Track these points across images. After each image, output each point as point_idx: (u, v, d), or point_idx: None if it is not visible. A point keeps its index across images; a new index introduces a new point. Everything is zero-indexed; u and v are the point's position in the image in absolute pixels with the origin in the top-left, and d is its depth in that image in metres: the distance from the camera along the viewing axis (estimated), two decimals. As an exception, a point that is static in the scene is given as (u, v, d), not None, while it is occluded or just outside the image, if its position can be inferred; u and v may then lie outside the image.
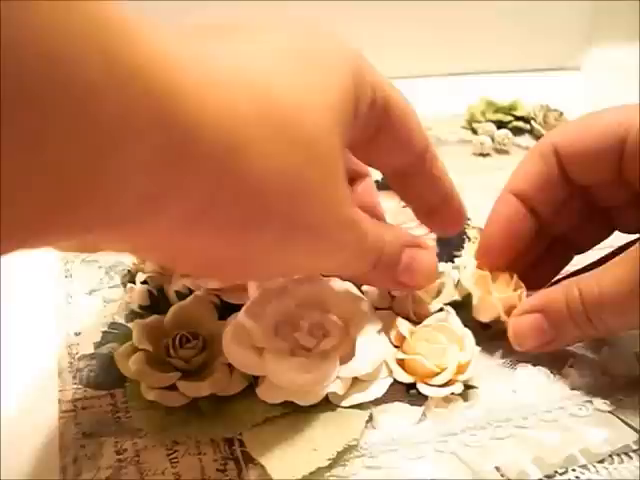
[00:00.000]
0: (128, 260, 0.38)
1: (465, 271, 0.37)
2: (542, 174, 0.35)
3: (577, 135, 0.35)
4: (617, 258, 0.32)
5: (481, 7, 0.70)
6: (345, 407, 0.31)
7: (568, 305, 0.32)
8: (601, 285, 0.31)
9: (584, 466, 0.31)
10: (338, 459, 0.29)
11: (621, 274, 0.31)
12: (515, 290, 0.36)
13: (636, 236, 0.34)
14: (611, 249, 0.37)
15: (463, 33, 0.71)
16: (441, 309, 0.35)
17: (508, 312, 0.35)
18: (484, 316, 0.35)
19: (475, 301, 0.35)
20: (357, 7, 0.66)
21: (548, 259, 0.38)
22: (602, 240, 0.38)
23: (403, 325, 0.34)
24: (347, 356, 0.32)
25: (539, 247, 0.38)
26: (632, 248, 0.31)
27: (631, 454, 0.31)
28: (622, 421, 0.32)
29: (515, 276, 0.36)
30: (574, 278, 0.33)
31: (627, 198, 0.35)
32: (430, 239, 0.45)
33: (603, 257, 0.36)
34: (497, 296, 0.35)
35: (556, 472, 0.30)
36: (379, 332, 0.34)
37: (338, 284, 0.35)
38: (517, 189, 0.36)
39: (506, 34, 0.72)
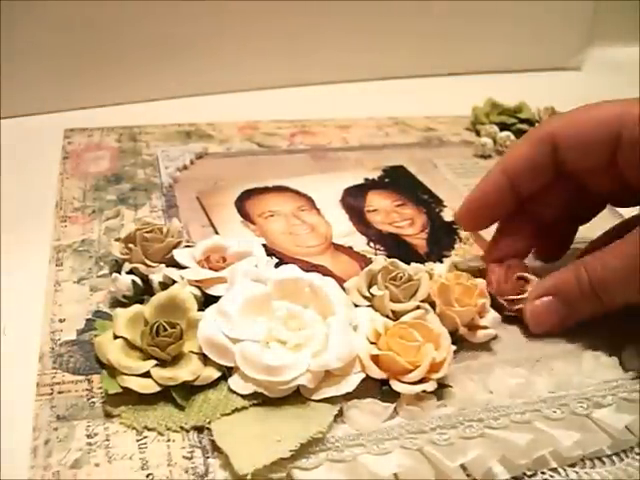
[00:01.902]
0: (117, 251, 0.39)
1: (433, 278, 0.37)
2: (532, 158, 0.38)
3: (575, 123, 0.37)
4: (616, 242, 0.35)
5: (481, 7, 0.70)
6: (315, 400, 0.31)
7: (579, 285, 0.36)
8: (604, 264, 0.35)
9: (554, 469, 0.30)
10: (302, 451, 0.29)
11: (623, 251, 0.35)
12: (477, 301, 0.36)
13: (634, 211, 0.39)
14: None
15: (463, 33, 0.71)
16: (418, 307, 0.35)
17: (467, 324, 0.36)
18: (444, 326, 0.35)
19: (437, 310, 0.36)
20: (358, 7, 0.66)
21: (555, 231, 0.42)
22: (599, 212, 0.42)
23: (378, 321, 0.34)
24: (320, 350, 0.32)
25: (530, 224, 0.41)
26: (633, 232, 0.34)
27: (604, 459, 0.31)
28: (598, 426, 0.32)
29: (480, 285, 0.37)
30: (580, 260, 0.37)
31: (617, 186, 0.38)
32: (421, 239, 0.45)
33: (603, 235, 0.41)
34: (456, 309, 0.35)
35: (524, 474, 0.30)
36: (355, 328, 0.34)
37: (317, 279, 0.35)
38: (505, 167, 0.39)
39: (506, 34, 0.72)
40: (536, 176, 0.38)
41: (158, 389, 0.31)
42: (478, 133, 0.60)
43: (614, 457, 0.31)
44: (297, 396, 0.31)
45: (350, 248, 0.44)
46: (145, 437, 0.30)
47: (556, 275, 0.37)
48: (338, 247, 0.44)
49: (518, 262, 0.40)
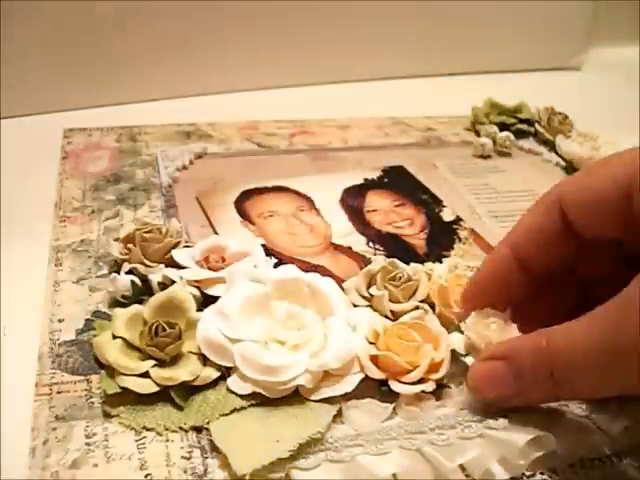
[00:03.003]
0: (116, 251, 0.39)
1: (432, 279, 0.37)
2: (541, 229, 0.33)
3: (582, 184, 0.32)
4: (593, 311, 0.28)
5: (481, 7, 0.70)
6: (314, 401, 0.31)
7: (533, 358, 0.29)
8: (570, 339, 0.28)
9: (553, 470, 0.30)
10: (301, 451, 0.29)
11: (592, 328, 0.27)
12: None
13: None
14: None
15: (463, 33, 0.71)
16: (417, 307, 0.35)
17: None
18: (443, 327, 0.35)
19: (436, 311, 0.36)
20: (358, 7, 0.66)
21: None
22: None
23: (377, 322, 0.34)
24: (319, 350, 0.32)
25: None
26: (609, 302, 0.27)
27: (603, 459, 0.31)
28: (597, 427, 0.32)
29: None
30: (547, 329, 0.30)
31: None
32: (420, 239, 0.45)
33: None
34: (454, 311, 0.35)
35: (523, 474, 0.30)
36: (354, 328, 0.34)
37: (316, 279, 0.35)
38: (512, 243, 0.34)
39: (506, 34, 0.72)
40: (546, 246, 0.32)
41: (157, 389, 0.31)
42: (478, 133, 0.60)
43: (613, 458, 0.31)
44: (296, 396, 0.31)
45: (349, 248, 0.44)
46: (144, 437, 0.30)
47: (514, 340, 0.32)
48: (337, 247, 0.44)
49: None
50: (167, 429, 0.30)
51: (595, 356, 0.27)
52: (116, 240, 0.40)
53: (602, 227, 0.31)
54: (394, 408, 0.32)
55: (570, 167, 0.56)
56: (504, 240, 0.34)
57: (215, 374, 0.32)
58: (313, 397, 0.31)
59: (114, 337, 0.33)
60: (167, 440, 0.30)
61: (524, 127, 0.60)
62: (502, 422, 0.31)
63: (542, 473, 0.30)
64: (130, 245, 0.38)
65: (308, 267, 0.40)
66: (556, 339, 0.28)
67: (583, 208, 0.31)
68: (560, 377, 0.28)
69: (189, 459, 0.29)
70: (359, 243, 0.44)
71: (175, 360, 0.32)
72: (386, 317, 0.35)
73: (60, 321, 0.36)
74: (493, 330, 0.33)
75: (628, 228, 0.30)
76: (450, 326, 0.35)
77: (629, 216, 0.29)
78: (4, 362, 0.34)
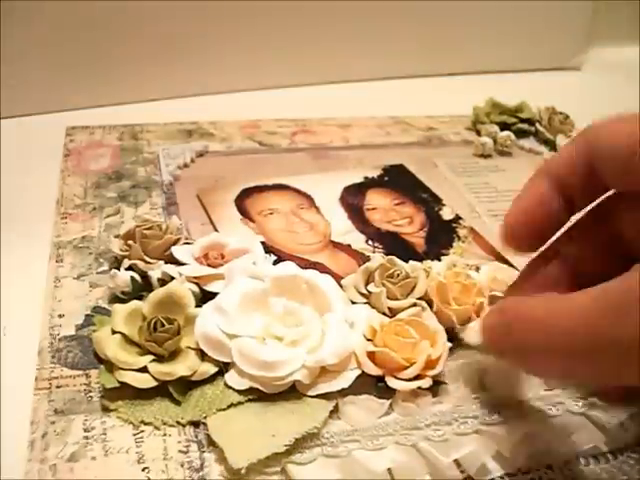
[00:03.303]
0: (116, 247, 0.39)
1: (430, 276, 0.38)
2: (575, 155, 0.30)
3: (614, 129, 0.29)
4: (590, 289, 0.25)
5: (482, 7, 0.70)
6: (311, 396, 0.31)
7: (516, 319, 0.27)
8: (558, 312, 0.25)
9: (549, 466, 0.31)
10: (297, 446, 0.29)
11: (584, 308, 0.25)
12: (475, 300, 0.36)
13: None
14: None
15: (464, 33, 0.71)
16: (415, 304, 0.35)
17: (464, 323, 0.36)
18: (441, 324, 0.35)
19: (434, 308, 0.36)
20: (359, 7, 0.67)
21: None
22: None
23: (375, 318, 0.34)
24: (316, 346, 0.32)
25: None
26: (609, 283, 0.25)
27: (599, 456, 0.31)
28: (593, 423, 0.32)
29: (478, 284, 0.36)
30: (548, 297, 0.27)
31: None
32: (419, 237, 0.45)
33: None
34: (453, 307, 0.35)
35: (519, 470, 0.30)
36: (352, 325, 0.34)
37: (314, 275, 0.35)
38: (551, 171, 0.31)
39: (506, 34, 0.72)
40: (586, 177, 0.30)
41: (155, 384, 0.31)
42: (479, 133, 0.60)
43: (609, 455, 0.31)
44: (293, 392, 0.32)
45: (349, 246, 0.44)
46: (142, 431, 0.30)
47: (518, 301, 0.28)
48: (337, 245, 0.44)
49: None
50: (165, 423, 0.30)
51: (583, 340, 0.24)
52: (116, 237, 0.40)
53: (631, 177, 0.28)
54: (390, 404, 0.32)
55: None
56: (539, 170, 0.31)
57: (213, 369, 0.32)
58: (310, 393, 0.31)
59: (113, 332, 0.33)
60: (165, 434, 0.30)
61: (525, 127, 0.60)
62: (498, 418, 0.32)
63: (537, 469, 0.30)
64: (130, 242, 0.39)
65: (307, 264, 0.40)
66: (555, 314, 0.25)
67: (614, 154, 0.28)
68: (531, 353, 0.26)
69: (186, 453, 0.29)
70: (358, 241, 0.44)
71: (173, 355, 0.32)
72: (384, 314, 0.36)
73: (60, 316, 0.36)
74: None
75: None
76: (448, 323, 0.35)
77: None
78: (4, 357, 0.34)
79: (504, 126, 0.60)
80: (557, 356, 0.25)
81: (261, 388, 0.31)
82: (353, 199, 0.49)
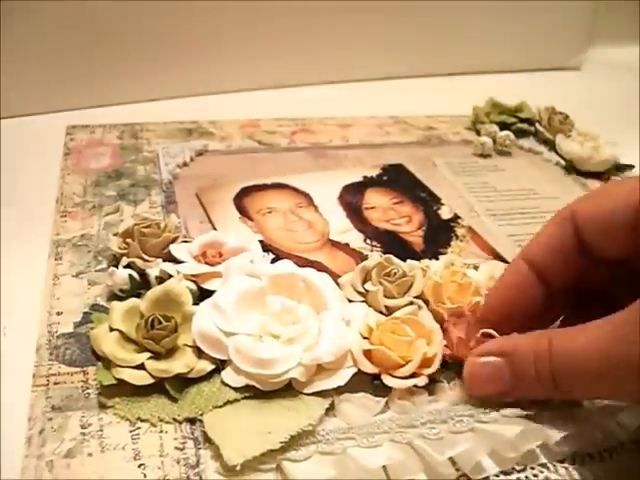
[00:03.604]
0: (115, 245, 0.40)
1: (427, 275, 0.38)
2: (557, 242, 0.33)
3: (595, 203, 0.32)
4: (599, 320, 0.29)
5: (482, 7, 0.70)
6: (307, 394, 0.32)
7: (535, 359, 0.30)
8: (573, 343, 0.29)
9: (544, 464, 0.31)
10: (292, 443, 0.29)
11: (597, 337, 0.28)
12: (470, 299, 0.36)
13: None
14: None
15: (464, 33, 0.71)
16: (411, 303, 0.35)
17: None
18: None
19: (429, 307, 0.36)
20: (359, 7, 0.67)
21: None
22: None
23: (371, 317, 0.34)
24: (312, 344, 0.32)
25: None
26: (616, 314, 0.28)
27: (594, 455, 0.31)
28: (590, 421, 0.32)
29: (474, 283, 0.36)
30: (548, 330, 0.31)
31: None
32: (418, 236, 0.46)
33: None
34: (446, 306, 0.35)
35: (514, 468, 0.30)
36: (348, 323, 0.35)
37: (311, 274, 0.35)
38: (529, 256, 0.34)
39: (506, 34, 0.72)
40: (563, 260, 0.33)
41: (152, 381, 0.31)
42: (478, 132, 0.60)
43: (604, 453, 0.31)
44: (289, 389, 0.32)
45: (347, 245, 0.44)
46: (138, 428, 0.30)
47: (514, 338, 0.31)
48: (335, 244, 0.44)
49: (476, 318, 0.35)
50: (161, 420, 0.30)
51: (598, 364, 0.28)
52: (115, 235, 0.40)
53: (613, 245, 0.31)
54: (386, 402, 0.32)
55: (570, 167, 0.56)
56: (518, 256, 0.34)
57: (209, 367, 0.32)
58: (306, 390, 0.32)
59: (111, 330, 0.33)
60: (161, 431, 0.30)
61: (524, 126, 0.60)
62: (493, 416, 0.32)
63: (532, 467, 0.30)
64: (129, 240, 0.39)
65: (305, 263, 0.40)
66: (558, 342, 0.29)
67: (596, 225, 0.32)
68: (560, 380, 0.29)
69: (182, 450, 0.29)
70: (357, 240, 0.45)
71: (170, 353, 0.33)
72: (380, 312, 0.36)
73: (59, 314, 0.36)
74: None
75: (637, 247, 0.30)
76: (442, 321, 0.35)
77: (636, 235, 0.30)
78: (4, 354, 0.34)
79: (504, 126, 0.60)
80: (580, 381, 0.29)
81: (257, 385, 0.31)
82: (352, 198, 0.49)
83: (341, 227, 0.46)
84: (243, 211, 0.46)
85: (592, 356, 0.28)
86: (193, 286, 0.36)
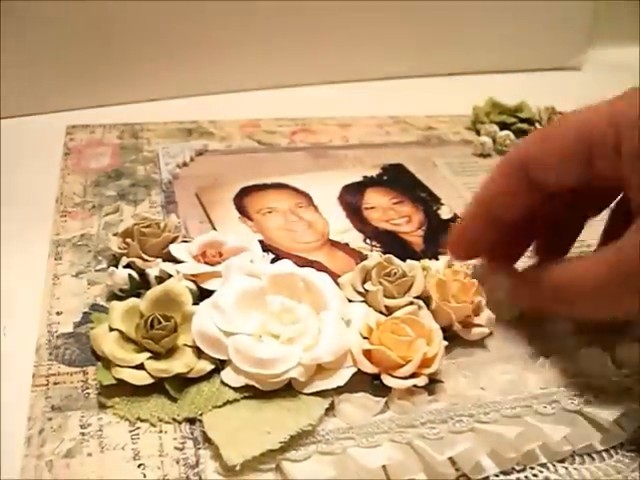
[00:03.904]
0: (115, 245, 0.39)
1: (429, 273, 0.38)
2: (505, 186, 0.35)
3: (545, 148, 0.34)
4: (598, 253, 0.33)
5: (482, 7, 0.70)
6: (306, 394, 0.32)
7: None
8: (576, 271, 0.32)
9: (543, 464, 0.31)
10: (292, 443, 0.29)
11: (602, 262, 0.31)
12: (473, 299, 0.36)
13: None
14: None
15: (464, 33, 0.71)
16: (411, 303, 0.35)
17: (462, 321, 0.36)
18: (439, 322, 0.35)
19: (433, 305, 0.36)
20: (359, 7, 0.67)
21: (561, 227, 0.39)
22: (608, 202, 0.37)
23: (371, 316, 0.34)
24: (312, 344, 0.32)
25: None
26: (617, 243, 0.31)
27: (594, 455, 0.31)
28: (588, 421, 0.32)
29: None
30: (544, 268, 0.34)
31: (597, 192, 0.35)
32: (417, 236, 0.45)
33: None
34: (452, 305, 0.35)
35: (514, 469, 0.30)
36: (348, 323, 0.35)
37: (311, 273, 0.35)
38: (479, 202, 0.36)
39: (506, 34, 0.72)
40: (515, 203, 0.35)
41: (151, 381, 0.31)
42: (478, 132, 0.60)
43: (604, 453, 0.31)
44: (289, 389, 0.32)
45: (347, 245, 0.44)
46: (138, 428, 0.30)
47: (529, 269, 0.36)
48: (335, 244, 0.44)
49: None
50: (161, 420, 0.30)
51: (606, 280, 0.30)
52: (115, 235, 0.40)
53: (567, 180, 0.33)
54: (386, 402, 0.32)
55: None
56: (473, 203, 0.37)
57: (209, 367, 0.32)
58: (306, 390, 0.32)
59: (111, 329, 0.33)
60: (160, 431, 0.30)
61: (524, 126, 0.60)
62: (493, 416, 0.32)
63: (532, 467, 0.30)
64: (128, 239, 0.39)
65: (304, 263, 0.40)
66: (559, 274, 0.33)
67: (548, 169, 0.33)
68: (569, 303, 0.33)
69: (182, 450, 0.29)
70: (357, 240, 0.44)
71: (170, 353, 0.33)
72: (380, 312, 0.36)
73: (58, 314, 0.36)
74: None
75: (587, 178, 0.33)
76: (446, 320, 0.35)
77: (588, 166, 0.32)
78: (4, 354, 0.34)
79: (504, 126, 0.60)
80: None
81: (257, 385, 0.31)
82: (352, 198, 0.49)
83: (341, 227, 0.46)
84: (243, 211, 0.46)
85: (602, 275, 0.30)
86: (193, 286, 0.36)
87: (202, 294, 0.36)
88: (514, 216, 0.35)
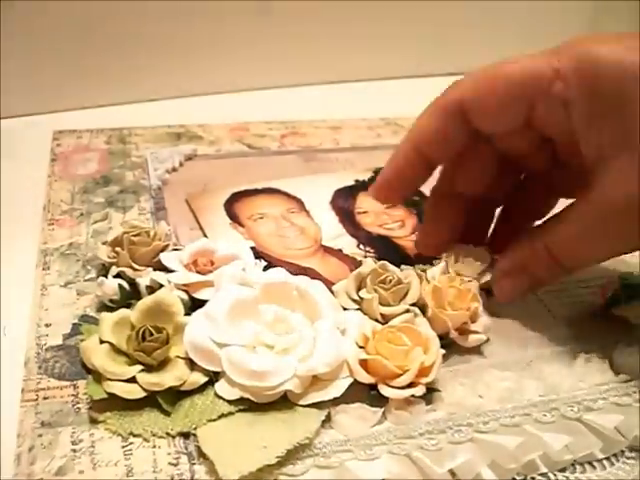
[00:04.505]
0: (104, 254, 0.39)
1: (425, 280, 0.37)
2: (441, 130, 0.36)
3: (484, 86, 0.35)
4: (566, 207, 0.35)
5: (481, 7, 0.70)
6: (302, 406, 0.31)
7: (539, 258, 0.35)
8: (560, 234, 0.35)
9: (544, 474, 0.30)
10: (289, 457, 0.28)
11: (574, 218, 0.34)
12: (469, 305, 0.35)
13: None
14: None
15: (462, 33, 0.71)
16: (407, 310, 0.35)
17: (459, 328, 0.35)
18: (435, 329, 0.35)
19: (429, 313, 0.35)
20: (352, 8, 0.66)
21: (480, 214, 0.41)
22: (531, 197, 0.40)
23: (367, 325, 0.34)
24: (307, 354, 0.32)
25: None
26: (581, 200, 0.34)
27: (595, 463, 0.31)
28: (589, 429, 0.32)
29: (473, 289, 0.37)
30: (533, 234, 0.36)
31: (534, 144, 0.36)
32: (411, 240, 0.45)
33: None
34: (448, 312, 0.35)
35: (514, 479, 0.30)
36: (343, 332, 0.34)
37: (304, 282, 0.35)
38: (414, 142, 0.37)
39: (506, 34, 0.72)
40: (449, 146, 0.37)
41: (144, 395, 0.31)
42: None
43: (605, 461, 0.31)
44: (284, 401, 0.31)
45: (340, 250, 0.43)
46: (131, 443, 0.29)
47: (517, 252, 0.37)
48: (328, 249, 0.43)
49: None
50: (154, 435, 0.30)
51: (584, 237, 0.34)
52: (104, 243, 0.39)
53: (503, 122, 0.35)
54: (383, 413, 0.31)
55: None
56: (406, 140, 0.38)
57: (203, 379, 0.32)
58: (301, 402, 0.31)
59: (101, 342, 0.33)
60: (154, 446, 0.29)
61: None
62: (492, 425, 0.31)
63: (533, 478, 0.30)
64: (118, 248, 0.38)
65: (297, 270, 0.40)
66: (550, 239, 0.35)
67: (484, 110, 0.35)
68: (567, 263, 0.35)
69: (176, 465, 0.29)
70: (350, 245, 0.44)
71: (162, 365, 0.32)
72: (376, 320, 0.35)
73: (47, 325, 0.36)
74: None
75: (524, 122, 0.34)
76: (443, 328, 0.35)
77: (529, 110, 0.34)
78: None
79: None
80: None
81: (252, 398, 0.31)
82: (344, 202, 0.48)
83: (333, 232, 0.45)
84: (234, 217, 0.46)
85: (579, 231, 0.34)
86: (184, 296, 0.35)
87: (194, 304, 0.35)
88: (443, 157, 0.38)
